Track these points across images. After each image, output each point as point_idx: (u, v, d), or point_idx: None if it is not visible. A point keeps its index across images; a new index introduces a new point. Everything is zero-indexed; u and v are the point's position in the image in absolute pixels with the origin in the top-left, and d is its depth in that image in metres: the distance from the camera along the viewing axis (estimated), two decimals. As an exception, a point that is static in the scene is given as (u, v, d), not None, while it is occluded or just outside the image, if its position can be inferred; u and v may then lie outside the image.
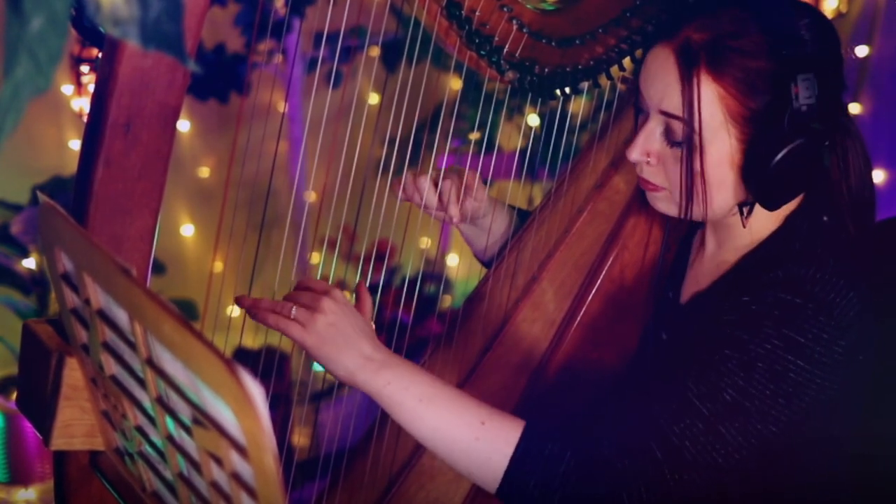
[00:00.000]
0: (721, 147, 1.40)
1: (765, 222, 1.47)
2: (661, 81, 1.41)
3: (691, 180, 1.41)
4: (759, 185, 1.40)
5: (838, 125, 1.45)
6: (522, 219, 1.85)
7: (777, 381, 1.34)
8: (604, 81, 1.74)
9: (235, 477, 0.85)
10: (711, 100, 1.38)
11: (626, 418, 1.37)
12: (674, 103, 1.40)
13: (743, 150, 1.39)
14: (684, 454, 1.33)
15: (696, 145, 1.39)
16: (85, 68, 2.78)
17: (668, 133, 1.43)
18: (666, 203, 1.49)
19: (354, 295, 1.47)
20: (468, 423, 1.34)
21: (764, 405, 1.34)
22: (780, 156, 1.37)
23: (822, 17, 1.45)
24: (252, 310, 1.38)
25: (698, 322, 1.46)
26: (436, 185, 1.68)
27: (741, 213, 1.46)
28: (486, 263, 1.85)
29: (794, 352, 1.34)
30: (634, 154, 1.46)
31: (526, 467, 1.33)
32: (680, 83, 1.39)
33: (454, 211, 1.68)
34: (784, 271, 1.38)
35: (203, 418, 0.86)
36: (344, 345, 1.34)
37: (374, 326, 1.40)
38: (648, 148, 1.45)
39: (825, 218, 1.46)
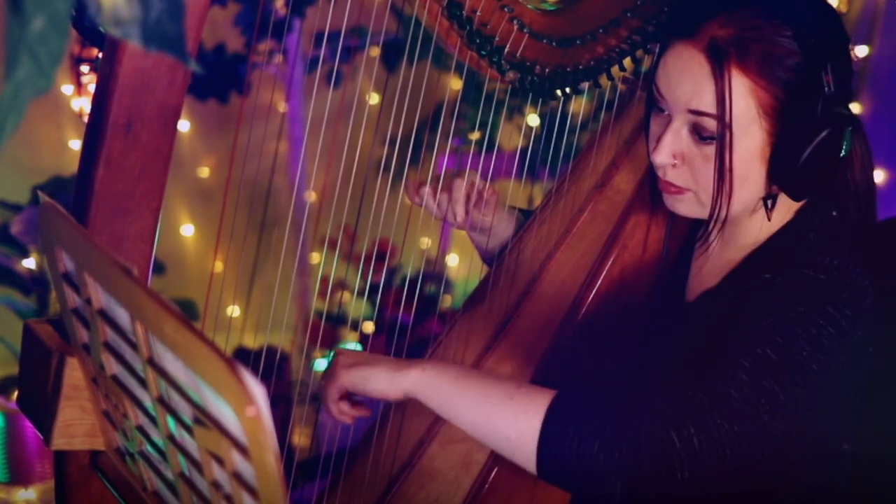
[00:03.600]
0: (752, 142, 1.39)
1: (775, 218, 1.47)
2: (690, 81, 1.40)
3: (722, 178, 1.41)
4: (789, 176, 1.40)
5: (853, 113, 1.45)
6: (526, 217, 1.85)
7: (812, 345, 1.33)
8: (604, 81, 1.74)
9: (237, 476, 0.85)
10: (743, 94, 1.37)
11: (650, 404, 1.32)
12: (705, 101, 1.39)
13: (772, 142, 1.39)
14: (732, 403, 1.29)
15: (727, 142, 1.39)
16: (85, 68, 2.78)
17: (695, 132, 1.42)
18: (689, 205, 1.47)
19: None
20: (502, 389, 1.36)
21: (800, 367, 1.32)
22: (814, 143, 1.37)
23: (828, 4, 1.46)
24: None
25: (709, 320, 1.46)
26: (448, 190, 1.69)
27: (766, 207, 1.46)
28: (489, 262, 1.86)
29: (826, 317, 1.34)
30: (662, 156, 1.44)
31: (562, 419, 1.30)
32: (713, 80, 1.38)
33: (460, 212, 1.69)
34: (801, 257, 1.39)
35: (204, 418, 0.86)
36: (368, 363, 1.42)
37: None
38: (675, 149, 1.44)
39: (834, 213, 1.46)
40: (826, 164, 1.40)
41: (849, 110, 1.40)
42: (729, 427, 1.28)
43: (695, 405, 1.28)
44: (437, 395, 1.38)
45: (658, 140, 1.44)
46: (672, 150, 1.44)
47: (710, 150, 1.41)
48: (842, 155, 1.40)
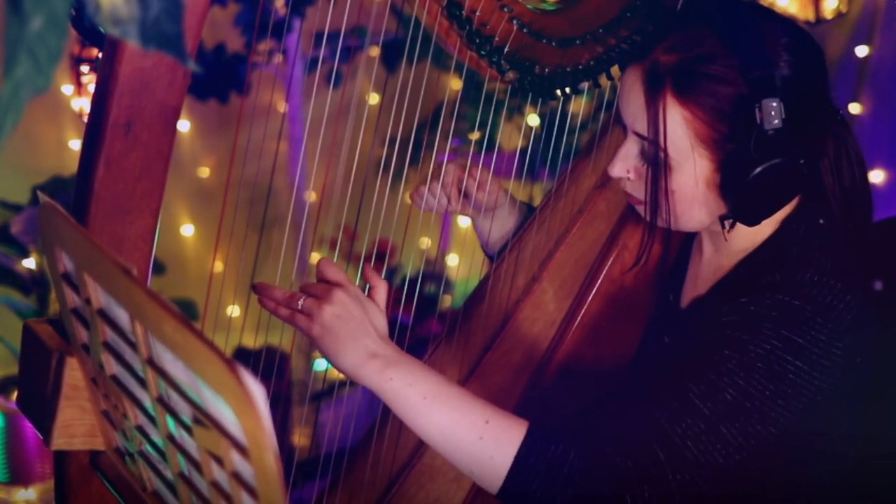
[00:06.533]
0: (691, 168, 1.41)
1: (761, 227, 1.47)
2: (633, 103, 1.43)
3: (656, 197, 1.43)
4: (734, 203, 1.41)
5: (819, 138, 1.44)
6: (530, 212, 1.86)
7: (776, 381, 1.34)
8: (604, 81, 1.74)
9: (236, 476, 0.85)
10: (679, 123, 1.38)
11: (628, 419, 1.37)
12: (642, 125, 1.42)
13: (717, 169, 1.40)
14: (686, 454, 1.33)
15: (661, 165, 1.41)
16: (85, 68, 2.78)
17: (642, 152, 1.45)
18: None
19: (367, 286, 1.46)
20: (472, 421, 1.32)
21: (764, 406, 1.34)
22: (750, 177, 1.36)
23: (803, 33, 1.44)
24: (264, 296, 1.36)
25: (697, 326, 1.46)
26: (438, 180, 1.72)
27: (723, 227, 1.46)
28: (491, 256, 1.86)
29: (794, 353, 1.34)
30: (614, 171, 1.48)
31: (529, 468, 1.32)
32: (645, 106, 1.39)
33: (455, 204, 1.72)
34: (782, 275, 1.39)
35: (204, 418, 0.86)
36: (348, 338, 1.32)
37: (385, 322, 1.38)
38: (627, 165, 1.47)
39: (821, 221, 1.46)
40: (774, 193, 1.39)
41: (800, 143, 1.37)
42: (682, 477, 1.33)
43: (651, 460, 1.32)
44: (402, 410, 1.33)
45: (615, 154, 1.48)
46: (625, 166, 1.47)
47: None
48: (815, 173, 1.40)
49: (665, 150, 1.39)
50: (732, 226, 1.46)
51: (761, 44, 1.37)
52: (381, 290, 1.39)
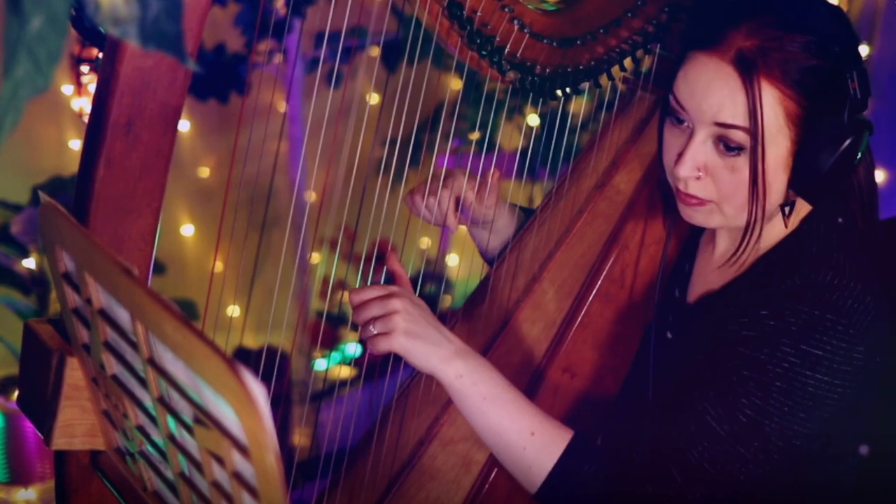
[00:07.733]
0: (778, 151, 1.39)
1: (781, 224, 1.47)
2: (717, 93, 1.38)
3: (756, 189, 1.40)
4: (811, 183, 1.40)
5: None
6: (528, 216, 1.85)
7: (795, 397, 1.34)
8: (604, 81, 1.74)
9: (237, 476, 0.85)
10: (772, 105, 1.37)
11: (646, 441, 1.39)
12: (734, 114, 1.37)
13: (794, 151, 1.39)
14: (704, 476, 1.35)
15: (759, 153, 1.38)
16: (85, 68, 2.77)
17: (721, 144, 1.40)
18: (708, 216, 1.46)
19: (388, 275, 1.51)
20: (519, 431, 1.40)
21: (783, 422, 1.35)
22: (841, 150, 1.38)
23: (839, 9, 1.46)
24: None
25: (709, 324, 1.46)
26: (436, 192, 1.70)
27: (783, 214, 1.45)
28: (490, 261, 1.86)
29: (813, 367, 1.34)
30: (685, 170, 1.42)
31: (561, 484, 1.40)
32: (743, 93, 1.36)
33: (451, 221, 1.69)
34: (801, 278, 1.38)
35: (204, 418, 0.86)
36: (426, 338, 1.40)
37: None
38: (698, 162, 1.42)
39: (840, 220, 1.46)
40: (845, 169, 1.40)
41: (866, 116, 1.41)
42: (701, 494, 1.38)
43: (670, 484, 1.37)
44: (462, 405, 1.42)
45: (681, 153, 1.42)
46: (695, 163, 1.42)
47: (736, 161, 1.40)
48: (857, 160, 1.40)
49: (763, 136, 1.38)
50: (791, 212, 1.45)
51: (826, 19, 1.39)
52: (405, 280, 1.50)
